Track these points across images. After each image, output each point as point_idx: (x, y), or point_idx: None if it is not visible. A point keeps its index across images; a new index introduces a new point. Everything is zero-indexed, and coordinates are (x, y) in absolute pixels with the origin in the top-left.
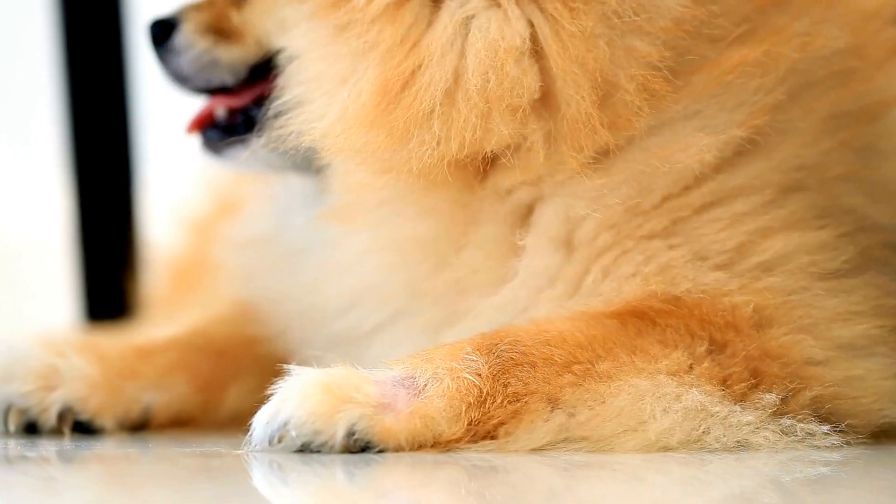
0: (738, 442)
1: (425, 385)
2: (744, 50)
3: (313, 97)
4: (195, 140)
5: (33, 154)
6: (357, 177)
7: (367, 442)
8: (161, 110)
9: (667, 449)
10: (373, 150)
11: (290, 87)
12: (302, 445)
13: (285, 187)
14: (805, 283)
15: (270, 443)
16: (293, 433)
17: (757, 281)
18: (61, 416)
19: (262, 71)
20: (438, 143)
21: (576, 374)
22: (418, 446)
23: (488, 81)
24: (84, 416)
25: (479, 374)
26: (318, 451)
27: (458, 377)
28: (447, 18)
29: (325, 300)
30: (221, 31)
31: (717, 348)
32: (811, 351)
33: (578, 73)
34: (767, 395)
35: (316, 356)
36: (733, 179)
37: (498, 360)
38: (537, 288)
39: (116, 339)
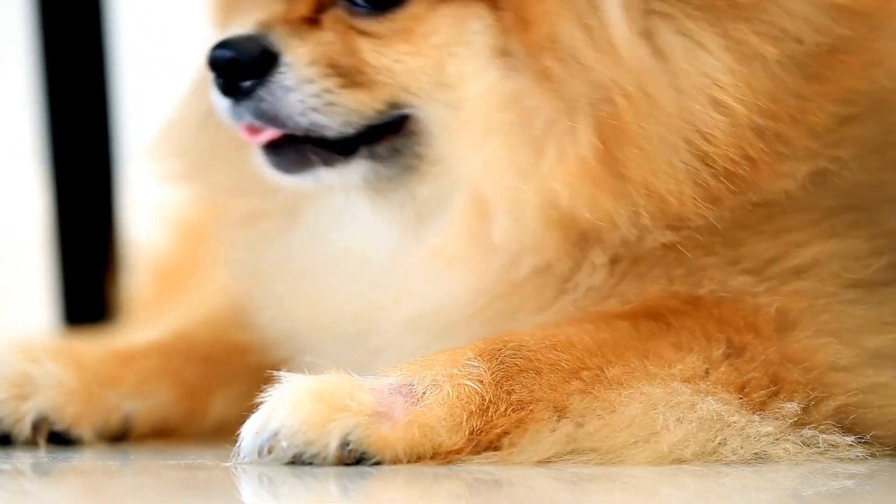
0: (756, 454)
1: (424, 392)
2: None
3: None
4: (258, 153)
5: (9, 150)
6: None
7: (363, 453)
8: (142, 106)
9: (681, 461)
10: (601, 212)
11: (445, 137)
12: (293, 457)
13: (328, 201)
14: (834, 288)
15: (260, 454)
16: (284, 444)
17: (785, 284)
18: (36, 426)
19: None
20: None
21: (584, 381)
22: (416, 458)
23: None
24: (60, 426)
25: (481, 381)
26: (311, 463)
27: (459, 384)
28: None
29: (373, 321)
30: (345, 71)
31: (734, 352)
32: (835, 356)
33: None
34: (788, 404)
35: (309, 362)
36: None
37: (501, 366)
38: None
39: (95, 344)
